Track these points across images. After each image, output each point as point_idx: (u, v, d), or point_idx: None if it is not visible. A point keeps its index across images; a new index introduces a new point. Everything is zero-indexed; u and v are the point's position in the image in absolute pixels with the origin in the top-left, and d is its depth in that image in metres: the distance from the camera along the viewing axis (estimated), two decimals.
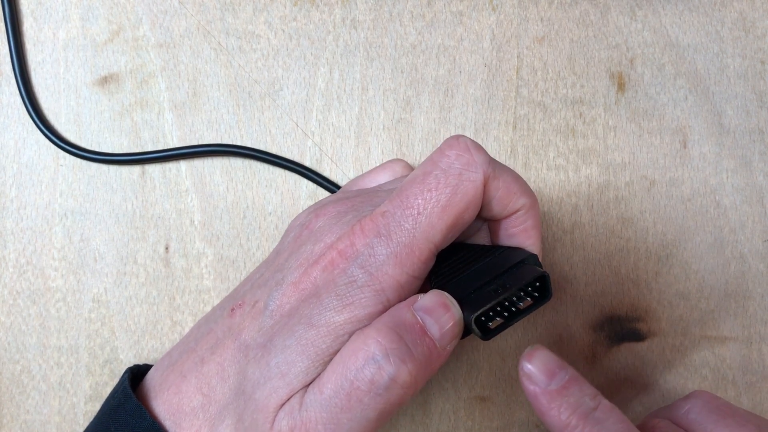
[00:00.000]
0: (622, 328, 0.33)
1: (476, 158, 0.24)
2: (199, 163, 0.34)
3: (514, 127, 0.34)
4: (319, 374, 0.24)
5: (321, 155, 0.34)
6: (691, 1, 0.34)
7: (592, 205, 0.33)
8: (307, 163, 0.34)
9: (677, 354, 0.33)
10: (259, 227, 0.34)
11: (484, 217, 0.26)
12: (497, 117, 0.34)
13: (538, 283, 0.25)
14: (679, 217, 0.33)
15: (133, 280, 0.34)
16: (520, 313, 0.25)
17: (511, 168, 0.28)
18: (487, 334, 0.24)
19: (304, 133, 0.34)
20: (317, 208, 0.27)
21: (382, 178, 0.31)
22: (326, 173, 0.34)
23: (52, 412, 0.33)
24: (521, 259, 0.25)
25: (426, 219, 0.24)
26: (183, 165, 0.34)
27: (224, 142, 0.34)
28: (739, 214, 0.33)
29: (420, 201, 0.24)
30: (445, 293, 0.24)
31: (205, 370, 0.25)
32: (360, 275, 0.24)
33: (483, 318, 0.24)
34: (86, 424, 0.33)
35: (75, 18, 0.34)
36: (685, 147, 0.34)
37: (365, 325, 0.24)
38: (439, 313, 0.24)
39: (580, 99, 0.34)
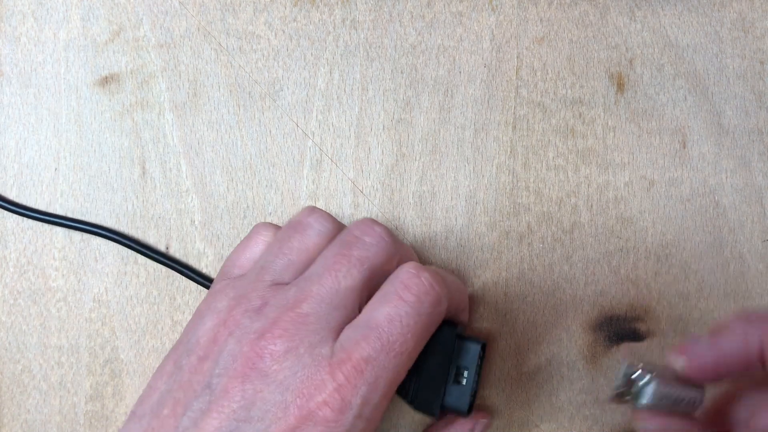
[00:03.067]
0: (621, 328, 0.33)
1: (441, 292, 0.25)
2: (199, 163, 0.34)
3: (514, 128, 0.34)
4: None
5: (321, 155, 0.34)
6: (690, 1, 0.34)
7: (591, 205, 0.34)
8: (306, 164, 0.34)
9: None
10: None
11: None
12: (497, 117, 0.34)
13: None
14: (678, 217, 0.34)
15: (133, 280, 0.34)
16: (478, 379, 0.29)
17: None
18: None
19: (304, 133, 0.34)
20: (226, 313, 0.26)
21: (257, 250, 0.29)
22: (326, 173, 0.34)
23: (52, 411, 0.33)
24: (450, 335, 0.28)
25: (407, 358, 0.24)
26: (183, 165, 0.34)
27: (224, 142, 0.34)
28: (739, 214, 0.33)
29: (400, 342, 0.24)
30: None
31: None
32: (359, 424, 0.23)
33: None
34: (87, 423, 0.34)
35: (75, 18, 0.34)
36: (684, 147, 0.34)
37: None
38: None
39: (580, 99, 0.34)
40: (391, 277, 0.26)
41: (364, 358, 0.23)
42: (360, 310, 0.25)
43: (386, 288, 0.25)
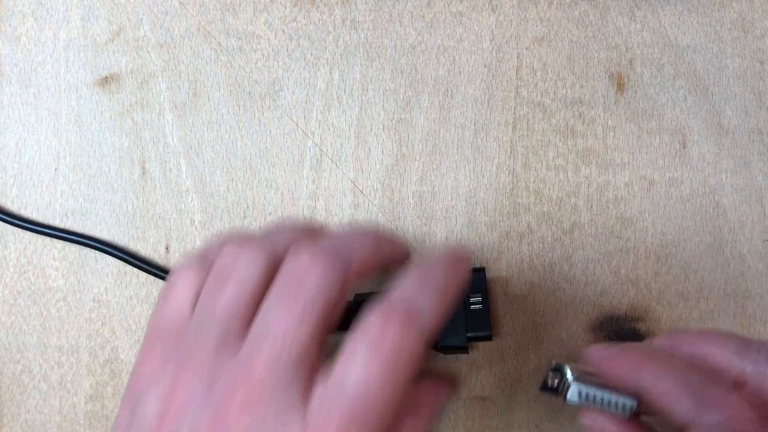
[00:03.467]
0: (621, 328, 0.33)
1: (418, 342, 0.22)
2: (199, 163, 0.34)
3: (514, 128, 0.34)
4: None
5: (321, 155, 0.34)
6: (690, 1, 0.34)
7: (591, 205, 0.34)
8: (306, 164, 0.34)
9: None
10: (259, 227, 0.34)
11: None
12: (497, 117, 0.34)
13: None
14: (678, 217, 0.34)
15: (133, 280, 0.34)
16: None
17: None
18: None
19: (304, 133, 0.34)
20: (170, 388, 0.22)
21: (184, 297, 0.25)
22: (326, 173, 0.34)
23: (52, 411, 0.33)
24: None
25: (390, 411, 0.21)
26: (183, 165, 0.34)
27: (224, 142, 0.34)
28: (739, 214, 0.33)
29: (379, 406, 0.21)
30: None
31: None
32: None
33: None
34: (87, 423, 0.34)
35: (75, 18, 0.34)
36: (684, 147, 0.34)
37: None
38: None
39: (580, 99, 0.34)
40: (358, 330, 0.22)
41: (343, 427, 0.21)
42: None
43: (355, 342, 0.22)
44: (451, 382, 0.25)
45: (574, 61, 0.34)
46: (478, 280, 0.30)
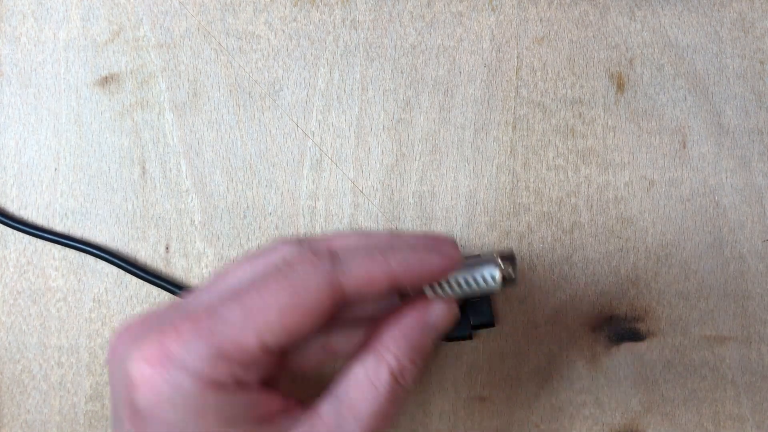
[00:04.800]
0: (621, 328, 0.33)
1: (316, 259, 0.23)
2: (199, 163, 0.34)
3: (514, 128, 0.34)
4: None
5: (321, 155, 0.34)
6: (690, 1, 0.34)
7: (591, 205, 0.34)
8: (306, 164, 0.34)
9: (677, 354, 0.33)
10: (259, 227, 0.34)
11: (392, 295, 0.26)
12: (497, 117, 0.34)
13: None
14: (678, 217, 0.34)
15: (133, 281, 0.34)
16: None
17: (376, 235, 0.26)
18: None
19: (304, 133, 0.34)
20: None
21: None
22: (326, 173, 0.34)
23: (52, 411, 0.33)
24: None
25: (261, 317, 0.22)
26: (183, 165, 0.34)
27: (224, 142, 0.34)
28: (739, 214, 0.33)
29: (255, 300, 0.23)
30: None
31: None
32: (185, 378, 0.22)
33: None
34: (87, 423, 0.34)
35: (75, 18, 0.34)
36: (684, 147, 0.34)
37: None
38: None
39: (580, 99, 0.34)
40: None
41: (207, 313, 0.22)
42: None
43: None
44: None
45: (574, 61, 0.34)
46: None
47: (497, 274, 0.25)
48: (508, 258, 0.26)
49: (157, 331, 0.22)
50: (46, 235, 0.33)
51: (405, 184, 0.34)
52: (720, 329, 0.33)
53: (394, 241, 0.25)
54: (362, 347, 0.25)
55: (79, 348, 0.34)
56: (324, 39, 0.34)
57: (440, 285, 0.25)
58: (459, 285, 0.25)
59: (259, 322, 0.22)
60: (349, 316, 0.27)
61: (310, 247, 0.24)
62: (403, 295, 0.26)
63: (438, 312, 0.26)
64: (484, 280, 0.25)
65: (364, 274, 0.23)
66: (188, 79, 0.34)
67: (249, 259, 0.25)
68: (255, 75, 0.34)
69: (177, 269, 0.33)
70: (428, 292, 0.25)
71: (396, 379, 0.24)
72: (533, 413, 0.33)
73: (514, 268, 0.26)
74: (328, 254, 0.24)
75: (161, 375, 0.22)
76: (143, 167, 0.34)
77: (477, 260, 0.26)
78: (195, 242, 0.34)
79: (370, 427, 0.24)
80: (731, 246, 0.33)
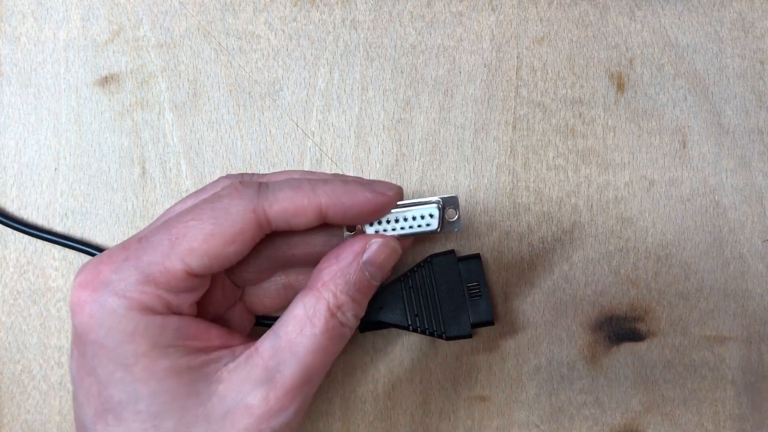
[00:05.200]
0: (621, 327, 0.33)
1: (241, 189, 0.25)
2: (199, 163, 0.34)
3: (514, 127, 0.34)
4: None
5: (321, 155, 0.34)
6: (690, 1, 0.34)
7: (591, 205, 0.34)
8: (306, 164, 0.34)
9: (677, 354, 0.33)
10: None
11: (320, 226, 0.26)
12: (497, 117, 0.34)
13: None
14: (678, 217, 0.34)
15: None
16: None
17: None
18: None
19: (304, 133, 0.34)
20: None
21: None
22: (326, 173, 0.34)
23: (52, 411, 0.33)
24: (452, 263, 0.30)
25: (186, 243, 0.24)
26: (183, 165, 0.34)
27: (224, 142, 0.34)
28: (739, 214, 0.33)
29: (181, 228, 0.24)
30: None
31: None
32: (115, 301, 0.23)
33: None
34: None
35: (75, 18, 0.34)
36: (684, 147, 0.34)
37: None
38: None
39: (580, 99, 0.34)
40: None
41: (137, 238, 0.25)
42: None
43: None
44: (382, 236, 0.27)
45: (574, 61, 0.34)
46: (474, 267, 0.31)
47: (436, 213, 0.27)
48: (451, 201, 0.27)
49: (96, 260, 0.24)
50: (45, 235, 0.33)
51: (405, 184, 0.34)
52: (720, 329, 0.33)
53: (330, 177, 0.26)
54: (306, 285, 0.26)
55: None
56: (324, 39, 0.34)
57: (380, 223, 0.27)
58: (398, 222, 0.27)
59: (184, 247, 0.23)
60: (304, 254, 0.28)
61: (242, 179, 0.26)
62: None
63: (375, 248, 0.26)
64: (422, 218, 0.27)
65: (288, 203, 0.24)
66: (188, 79, 0.34)
67: (192, 194, 0.27)
68: (255, 75, 0.34)
69: None
70: (368, 229, 0.27)
71: (334, 314, 0.25)
72: (533, 413, 0.33)
73: (456, 210, 0.27)
74: (256, 185, 0.25)
75: (93, 298, 0.23)
76: (143, 167, 0.34)
77: (419, 201, 0.27)
78: None
79: (306, 363, 0.24)
80: (731, 246, 0.33)
